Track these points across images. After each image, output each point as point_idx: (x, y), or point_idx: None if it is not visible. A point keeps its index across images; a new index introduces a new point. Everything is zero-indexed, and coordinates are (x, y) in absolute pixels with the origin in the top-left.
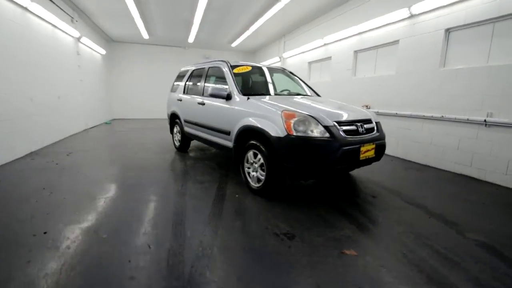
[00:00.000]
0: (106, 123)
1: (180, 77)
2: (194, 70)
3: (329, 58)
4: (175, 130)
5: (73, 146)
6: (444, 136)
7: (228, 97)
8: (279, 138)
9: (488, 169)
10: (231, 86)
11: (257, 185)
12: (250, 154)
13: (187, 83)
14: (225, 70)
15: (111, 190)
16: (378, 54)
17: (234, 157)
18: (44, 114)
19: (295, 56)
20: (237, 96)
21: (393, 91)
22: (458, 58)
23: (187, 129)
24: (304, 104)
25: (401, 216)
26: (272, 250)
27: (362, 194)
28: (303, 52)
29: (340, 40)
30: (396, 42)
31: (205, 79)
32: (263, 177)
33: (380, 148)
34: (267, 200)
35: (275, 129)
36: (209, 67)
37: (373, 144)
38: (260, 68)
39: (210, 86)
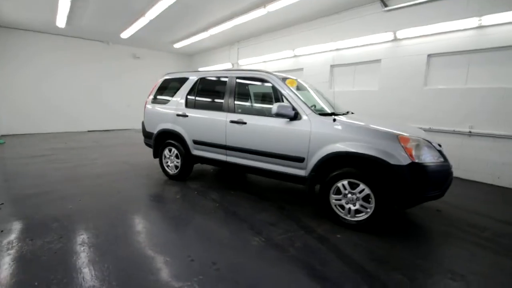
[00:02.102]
0: None
1: (167, 88)
2: (201, 79)
3: (300, 69)
4: (166, 153)
5: None
6: None
7: (295, 117)
8: (400, 166)
9: (474, 170)
10: (296, 103)
11: (357, 218)
12: (343, 183)
13: (192, 96)
14: (281, 85)
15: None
16: (356, 70)
17: (310, 187)
18: None
19: (256, 65)
20: (309, 116)
21: (377, 105)
22: (439, 79)
23: (199, 152)
24: (399, 126)
25: (498, 235)
26: None
27: (428, 209)
28: (265, 62)
29: (314, 53)
30: (377, 61)
31: (235, 93)
32: (368, 210)
33: None
34: (374, 235)
35: (393, 156)
36: (237, 78)
37: None
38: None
39: (275, 104)
